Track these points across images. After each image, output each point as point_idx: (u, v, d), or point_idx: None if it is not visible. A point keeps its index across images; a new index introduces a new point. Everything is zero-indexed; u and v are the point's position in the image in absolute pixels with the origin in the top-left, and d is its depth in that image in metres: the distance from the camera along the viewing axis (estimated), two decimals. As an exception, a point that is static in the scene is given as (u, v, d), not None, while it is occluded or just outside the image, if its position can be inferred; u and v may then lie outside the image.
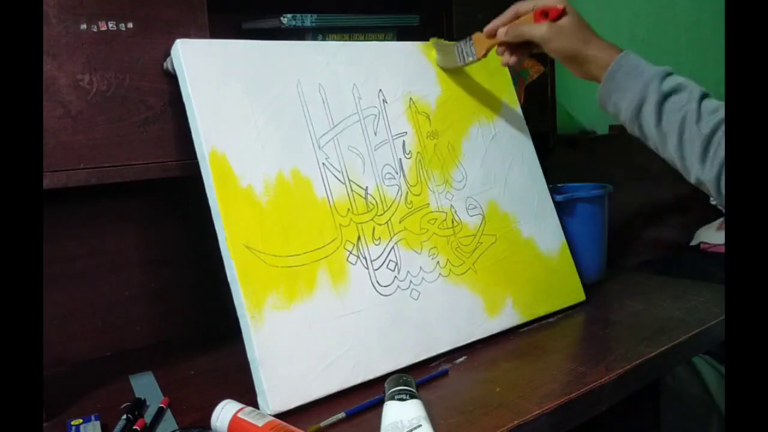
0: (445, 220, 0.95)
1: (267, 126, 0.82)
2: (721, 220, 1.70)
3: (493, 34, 0.94)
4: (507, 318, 0.96)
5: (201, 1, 0.84)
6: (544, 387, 0.79)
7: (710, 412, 1.29)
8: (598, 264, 1.17)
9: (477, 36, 0.96)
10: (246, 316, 0.75)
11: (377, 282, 0.86)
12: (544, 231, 1.06)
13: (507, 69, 1.12)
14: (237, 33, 1.01)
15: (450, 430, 0.70)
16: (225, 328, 0.83)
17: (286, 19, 0.94)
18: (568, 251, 1.08)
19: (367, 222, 0.87)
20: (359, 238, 0.86)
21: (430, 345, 0.88)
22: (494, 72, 1.09)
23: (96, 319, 1.00)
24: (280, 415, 0.73)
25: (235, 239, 0.76)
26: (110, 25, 0.78)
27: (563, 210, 1.11)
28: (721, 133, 0.75)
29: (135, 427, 0.74)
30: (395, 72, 0.96)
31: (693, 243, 1.71)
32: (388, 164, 0.92)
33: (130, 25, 0.79)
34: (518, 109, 1.10)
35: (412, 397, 0.71)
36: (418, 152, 0.96)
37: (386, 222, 0.89)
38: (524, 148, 1.09)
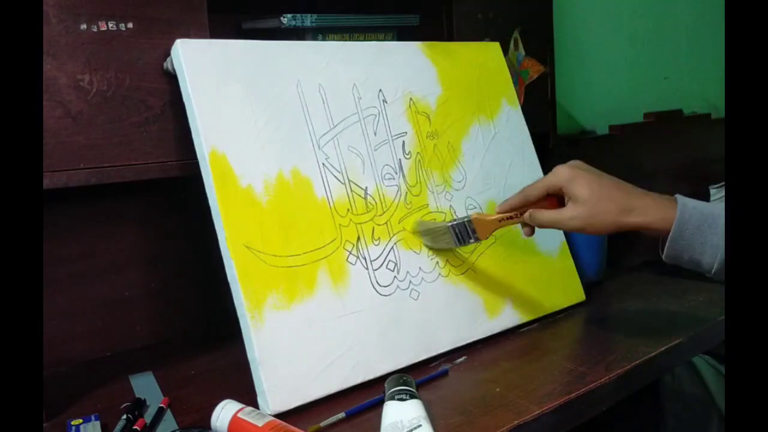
0: (445, 220, 0.95)
1: (267, 126, 0.82)
2: (721, 220, 1.70)
3: (503, 217, 0.85)
4: (507, 318, 0.96)
5: (201, 1, 0.84)
6: (544, 387, 0.79)
7: (710, 412, 1.29)
8: (598, 264, 1.17)
9: (477, 216, 0.86)
10: (246, 316, 0.75)
11: (377, 282, 0.86)
12: (544, 231, 1.05)
13: (507, 69, 1.12)
14: (237, 33, 1.01)
15: (450, 430, 0.70)
16: (225, 328, 0.83)
17: (286, 19, 0.94)
18: (568, 251, 1.08)
19: (366, 222, 0.87)
20: (359, 238, 0.86)
21: (430, 345, 0.88)
22: (494, 72, 1.09)
23: (96, 319, 1.00)
24: (280, 415, 0.73)
25: (235, 239, 0.76)
26: (110, 25, 0.78)
27: (563, 210, 1.11)
28: None
29: (135, 427, 0.74)
30: (395, 72, 0.96)
31: (693, 243, 1.71)
32: (387, 164, 0.92)
33: (130, 25, 0.79)
34: (518, 109, 1.10)
35: (412, 397, 0.71)
36: (417, 152, 0.96)
37: (386, 222, 0.89)
38: (524, 148, 1.09)
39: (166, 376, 0.90)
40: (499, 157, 1.05)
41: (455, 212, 0.96)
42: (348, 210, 0.86)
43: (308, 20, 0.95)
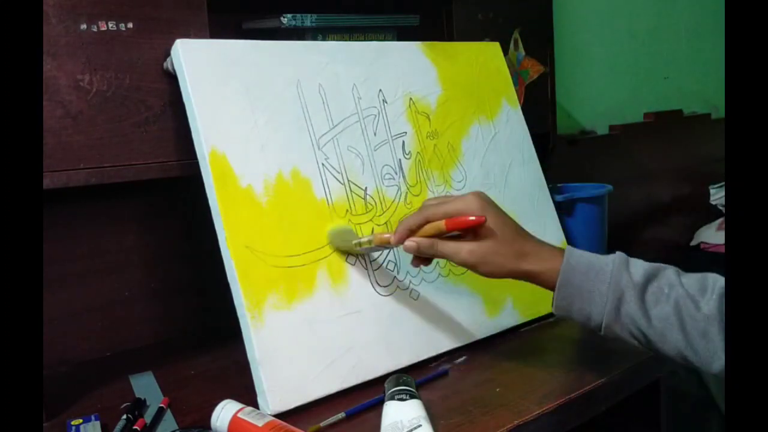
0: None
1: (267, 126, 0.82)
2: (721, 220, 1.70)
3: (402, 239, 0.77)
4: (507, 318, 0.96)
5: (201, 1, 0.84)
6: (544, 387, 0.79)
7: (710, 412, 1.29)
8: (598, 264, 1.17)
9: (378, 237, 0.80)
10: (246, 316, 0.75)
11: (377, 282, 0.86)
12: (544, 231, 1.05)
13: (507, 69, 1.12)
14: (237, 33, 1.01)
15: (450, 430, 0.70)
16: (225, 328, 0.83)
17: (286, 19, 0.94)
18: (568, 251, 1.08)
19: (366, 223, 0.87)
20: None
21: (430, 345, 0.88)
22: (494, 72, 1.09)
23: (96, 319, 1.00)
24: (280, 415, 0.73)
25: (235, 239, 0.76)
26: (110, 25, 0.78)
27: (563, 210, 1.11)
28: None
29: (135, 427, 0.74)
30: (395, 72, 0.96)
31: (693, 243, 1.72)
32: (387, 164, 0.92)
33: (130, 25, 0.79)
34: (518, 109, 1.10)
35: (412, 397, 0.71)
36: (417, 152, 0.96)
37: (385, 222, 0.89)
38: (524, 148, 1.09)
39: (166, 376, 0.90)
40: (499, 157, 1.05)
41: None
42: (347, 210, 0.86)
43: (308, 20, 0.95)
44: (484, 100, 1.06)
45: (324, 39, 0.98)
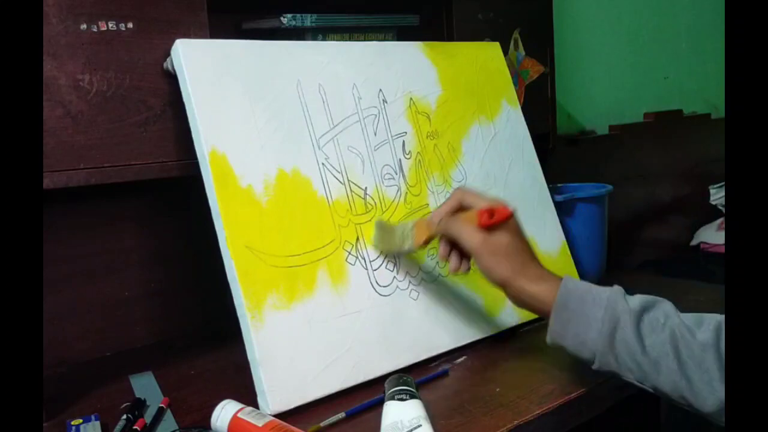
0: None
1: (267, 126, 0.82)
2: (721, 220, 1.70)
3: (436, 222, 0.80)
4: (507, 318, 0.96)
5: (201, 1, 0.84)
6: (544, 387, 0.79)
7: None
8: (598, 264, 1.17)
9: (420, 222, 0.84)
10: (246, 316, 0.75)
11: (376, 282, 0.86)
12: (544, 231, 1.05)
13: (507, 69, 1.12)
14: (237, 33, 1.01)
15: (450, 430, 0.70)
16: (225, 328, 0.83)
17: (286, 19, 0.94)
18: (568, 251, 1.08)
19: (365, 223, 0.87)
20: (358, 238, 0.86)
21: (430, 345, 0.88)
22: (494, 72, 1.09)
23: (96, 319, 1.00)
24: (280, 415, 0.73)
25: (235, 239, 0.76)
26: (110, 25, 0.78)
27: (563, 210, 1.11)
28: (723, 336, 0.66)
29: (135, 427, 0.74)
30: (395, 72, 0.96)
31: (693, 243, 1.72)
32: (387, 164, 0.92)
33: (130, 25, 0.79)
34: (518, 109, 1.10)
35: (412, 397, 0.71)
36: (417, 152, 0.96)
37: (386, 222, 0.89)
38: (524, 148, 1.09)
39: (166, 376, 0.90)
40: (499, 157, 1.05)
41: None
42: (347, 210, 0.86)
43: (308, 20, 0.95)
44: (484, 100, 1.06)
45: (324, 39, 0.98)
